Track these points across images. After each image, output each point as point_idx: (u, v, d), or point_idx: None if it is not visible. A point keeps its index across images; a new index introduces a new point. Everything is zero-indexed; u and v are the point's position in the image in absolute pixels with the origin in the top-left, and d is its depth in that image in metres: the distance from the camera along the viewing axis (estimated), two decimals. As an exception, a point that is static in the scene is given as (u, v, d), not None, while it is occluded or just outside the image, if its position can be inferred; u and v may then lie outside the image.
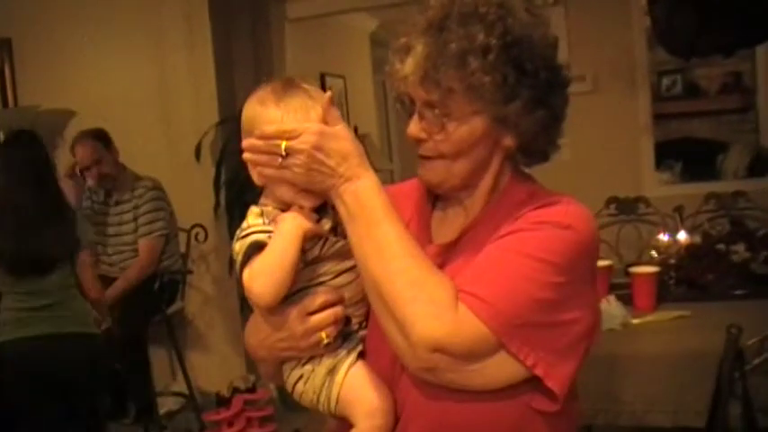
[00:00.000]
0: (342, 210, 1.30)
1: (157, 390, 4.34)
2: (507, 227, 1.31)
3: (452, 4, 1.33)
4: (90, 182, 4.34)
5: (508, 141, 1.36)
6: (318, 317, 1.36)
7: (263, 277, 1.31)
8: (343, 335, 1.41)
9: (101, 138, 4.32)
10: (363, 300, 1.41)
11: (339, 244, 1.39)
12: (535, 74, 1.30)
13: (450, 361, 1.22)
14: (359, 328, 1.44)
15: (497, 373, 1.25)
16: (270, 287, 1.31)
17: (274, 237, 1.32)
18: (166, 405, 4.60)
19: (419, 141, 1.38)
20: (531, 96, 1.31)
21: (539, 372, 1.24)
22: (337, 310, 1.37)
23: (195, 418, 4.39)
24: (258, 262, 1.31)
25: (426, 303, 1.22)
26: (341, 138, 1.30)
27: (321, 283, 1.39)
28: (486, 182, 1.40)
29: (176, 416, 4.61)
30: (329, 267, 1.39)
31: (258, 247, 1.32)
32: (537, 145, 1.38)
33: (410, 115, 1.39)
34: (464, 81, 1.29)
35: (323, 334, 1.36)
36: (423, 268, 1.26)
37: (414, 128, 1.37)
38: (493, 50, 1.27)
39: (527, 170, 1.46)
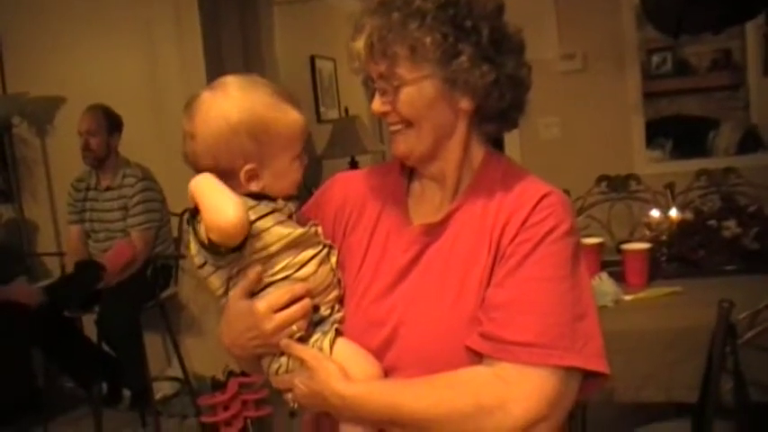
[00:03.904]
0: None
1: (152, 375, 4.34)
2: (509, 247, 1.35)
3: None
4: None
5: (465, 104, 1.39)
6: (286, 313, 1.36)
7: (215, 205, 1.28)
8: (314, 322, 1.41)
9: (109, 117, 4.31)
10: (330, 286, 1.44)
11: (297, 232, 1.39)
12: (476, 31, 1.35)
13: (551, 416, 1.27)
14: (330, 312, 1.44)
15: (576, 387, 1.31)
16: (227, 205, 1.28)
17: (197, 190, 1.32)
18: (162, 390, 4.62)
19: (385, 116, 1.42)
20: (474, 53, 1.35)
21: (592, 367, 1.30)
22: (305, 303, 1.38)
23: (190, 403, 4.40)
24: (202, 208, 1.29)
25: (485, 413, 1.25)
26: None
27: (286, 278, 1.38)
28: (454, 151, 1.44)
29: (172, 401, 4.63)
30: (291, 260, 1.38)
31: (194, 211, 1.33)
32: (492, 104, 1.40)
33: (373, 94, 1.44)
34: (406, 44, 1.34)
35: (294, 327, 1.37)
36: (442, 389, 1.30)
37: (376, 103, 1.43)
38: (430, 12, 1.33)
39: (514, 151, 1.49)
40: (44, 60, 4.99)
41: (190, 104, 1.40)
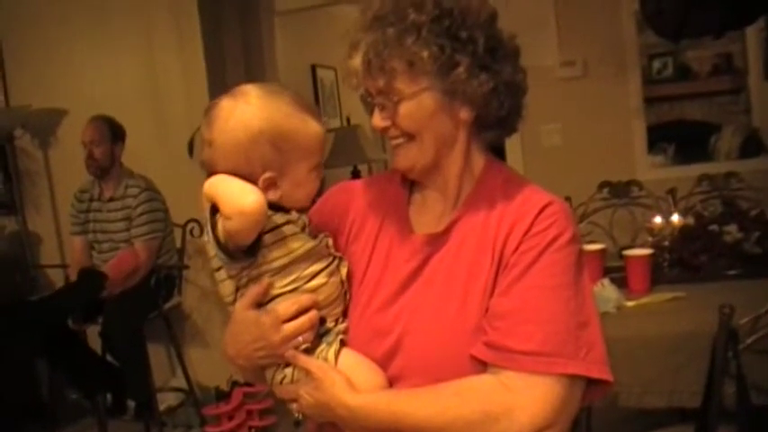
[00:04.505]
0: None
1: (157, 385, 4.34)
2: (512, 257, 1.35)
3: (391, 1, 1.39)
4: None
5: (465, 114, 1.40)
6: (293, 324, 1.37)
7: (235, 192, 1.30)
8: (320, 334, 1.41)
9: (112, 127, 4.33)
10: (338, 298, 1.45)
11: (309, 244, 1.40)
12: (472, 41, 1.36)
13: (556, 424, 1.28)
14: (335, 324, 1.44)
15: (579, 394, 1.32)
16: (246, 190, 1.30)
17: (214, 186, 1.34)
18: (166, 401, 4.61)
19: (385, 131, 1.43)
20: (471, 63, 1.35)
21: (595, 374, 1.31)
22: (312, 315, 1.38)
23: (195, 413, 4.41)
24: (221, 199, 1.31)
25: (491, 421, 1.26)
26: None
27: (295, 289, 1.39)
28: (455, 161, 1.45)
29: (176, 411, 4.63)
30: (301, 272, 1.39)
31: (213, 209, 1.34)
32: (492, 112, 1.41)
33: (372, 110, 1.44)
34: (404, 59, 1.34)
35: (300, 339, 1.38)
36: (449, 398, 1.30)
37: (376, 119, 1.43)
38: (425, 25, 1.33)
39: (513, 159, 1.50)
40: (46, 73, 5.01)
41: (209, 112, 1.40)
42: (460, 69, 1.35)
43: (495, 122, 1.44)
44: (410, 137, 1.41)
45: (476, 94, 1.37)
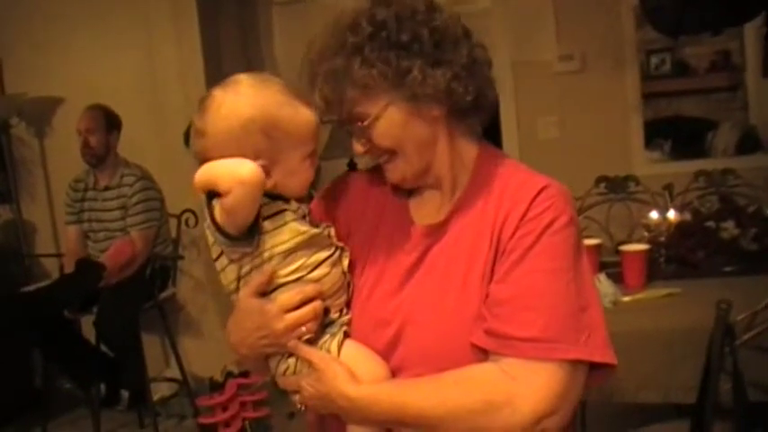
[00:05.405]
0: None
1: (151, 376, 4.34)
2: (509, 242, 1.35)
3: (331, 29, 1.40)
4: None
5: (436, 111, 1.39)
6: (297, 313, 1.37)
7: (231, 166, 1.30)
8: (324, 325, 1.42)
9: (108, 116, 4.33)
10: (341, 288, 1.45)
11: (313, 231, 1.40)
12: (417, 40, 1.34)
13: (559, 410, 1.28)
14: (339, 315, 1.45)
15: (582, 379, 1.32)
16: (242, 162, 1.30)
17: (207, 170, 1.33)
18: (160, 391, 4.62)
19: (368, 154, 1.43)
20: (422, 62, 1.34)
21: (597, 358, 1.31)
22: (316, 305, 1.38)
23: (189, 404, 4.41)
24: (218, 175, 1.31)
25: (493, 409, 1.26)
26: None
27: (299, 279, 1.39)
28: (442, 156, 1.44)
29: (170, 402, 4.63)
30: (304, 261, 1.39)
31: (209, 195, 1.34)
32: (460, 99, 1.39)
33: (351, 136, 1.44)
34: (356, 85, 1.34)
35: (303, 329, 1.37)
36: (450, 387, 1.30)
37: (356, 146, 1.43)
38: (365, 45, 1.33)
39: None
40: (42, 61, 4.99)
41: (202, 102, 1.40)
42: (414, 73, 1.34)
43: (469, 106, 1.42)
44: (392, 152, 1.41)
45: (438, 90, 1.36)
